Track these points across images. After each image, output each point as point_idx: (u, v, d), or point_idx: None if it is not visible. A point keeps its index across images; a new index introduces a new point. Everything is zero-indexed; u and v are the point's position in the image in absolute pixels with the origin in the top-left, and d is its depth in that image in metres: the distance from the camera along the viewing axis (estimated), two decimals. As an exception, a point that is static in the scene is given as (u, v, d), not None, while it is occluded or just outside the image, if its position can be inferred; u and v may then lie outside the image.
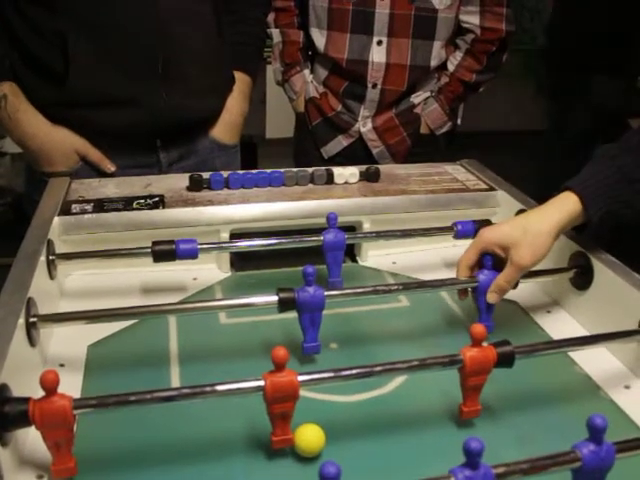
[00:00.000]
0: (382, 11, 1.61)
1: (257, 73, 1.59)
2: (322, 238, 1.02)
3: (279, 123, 2.67)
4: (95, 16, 1.24)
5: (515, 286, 0.94)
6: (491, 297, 0.93)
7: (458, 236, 1.10)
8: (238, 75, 1.51)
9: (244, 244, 1.04)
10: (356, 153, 1.74)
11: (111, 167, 1.34)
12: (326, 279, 1.04)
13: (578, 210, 0.93)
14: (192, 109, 1.37)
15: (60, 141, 1.31)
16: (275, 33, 1.80)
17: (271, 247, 1.04)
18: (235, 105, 1.49)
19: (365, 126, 1.72)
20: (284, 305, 0.85)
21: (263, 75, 2.73)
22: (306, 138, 1.82)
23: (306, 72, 1.79)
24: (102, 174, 1.32)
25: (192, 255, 0.99)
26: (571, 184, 0.95)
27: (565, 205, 0.94)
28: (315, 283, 0.86)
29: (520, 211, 1.16)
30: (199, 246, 0.99)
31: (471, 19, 1.68)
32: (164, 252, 0.98)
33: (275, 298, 0.85)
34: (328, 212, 1.05)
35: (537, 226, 0.92)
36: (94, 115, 1.29)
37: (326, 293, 0.86)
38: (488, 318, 0.94)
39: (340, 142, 1.76)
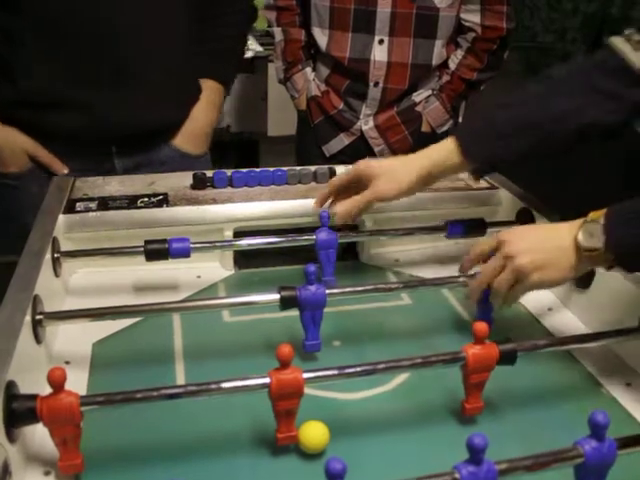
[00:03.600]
0: (383, 10, 1.61)
1: (231, 82, 1.56)
2: (314, 237, 1.03)
3: (281, 120, 2.67)
4: (48, 16, 1.21)
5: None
6: (338, 208, 1.01)
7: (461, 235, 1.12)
8: (209, 83, 1.47)
9: (243, 242, 1.05)
10: (358, 151, 1.74)
11: (63, 169, 1.31)
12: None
13: (453, 152, 1.00)
14: (149, 117, 1.33)
15: (9, 141, 1.28)
16: (277, 32, 1.80)
17: (269, 246, 1.05)
18: (201, 114, 1.45)
19: (367, 124, 1.73)
20: (286, 303, 0.86)
21: (265, 73, 2.74)
22: (308, 136, 1.83)
23: (308, 70, 1.79)
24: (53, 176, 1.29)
25: (184, 254, 0.99)
26: (450, 130, 0.98)
27: (439, 146, 1.02)
28: (317, 281, 0.86)
29: (522, 210, 1.17)
30: (199, 245, 1.00)
31: (472, 17, 1.69)
32: (156, 251, 0.99)
33: (277, 296, 0.86)
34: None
35: (405, 164, 1.01)
36: (44, 117, 1.26)
37: (327, 291, 0.87)
38: (487, 313, 0.94)
39: (342, 140, 1.76)
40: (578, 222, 0.84)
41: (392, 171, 1.00)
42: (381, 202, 1.02)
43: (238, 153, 2.94)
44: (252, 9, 1.59)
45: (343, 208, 1.01)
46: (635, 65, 0.96)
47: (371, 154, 1.74)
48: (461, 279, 0.95)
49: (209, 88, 1.47)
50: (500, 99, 1.05)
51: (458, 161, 1.01)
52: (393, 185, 0.99)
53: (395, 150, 1.73)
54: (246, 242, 1.05)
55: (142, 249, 1.00)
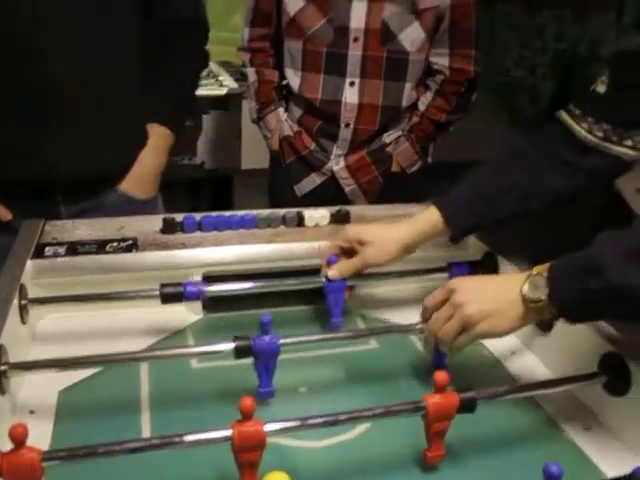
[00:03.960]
0: (355, 53, 1.65)
1: (180, 127, 1.57)
2: (323, 280, 1.08)
3: (255, 155, 2.69)
4: None
5: None
6: (331, 273, 1.06)
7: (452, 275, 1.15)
8: (157, 128, 1.48)
9: (219, 288, 1.07)
10: (329, 191, 1.77)
11: (7, 215, 1.31)
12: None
13: (438, 222, 1.08)
14: (96, 163, 1.34)
15: None
16: (251, 72, 1.83)
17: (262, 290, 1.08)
18: (148, 158, 1.46)
19: (338, 164, 1.75)
20: (240, 353, 0.88)
21: (239, 110, 2.75)
22: (280, 175, 1.85)
23: (280, 111, 1.82)
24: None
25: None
26: (434, 200, 1.09)
27: (424, 217, 1.09)
28: (271, 331, 0.88)
29: (486, 253, 1.20)
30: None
31: (441, 61, 1.73)
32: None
33: (231, 345, 0.88)
34: (300, 255, 1.11)
35: (392, 233, 1.07)
36: None
37: (281, 341, 0.89)
38: (442, 359, 0.96)
39: (313, 180, 1.79)
40: (525, 274, 0.88)
41: (380, 240, 1.07)
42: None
43: (212, 189, 2.95)
44: (203, 55, 1.61)
45: (336, 272, 1.07)
46: (580, 136, 1.05)
47: (342, 194, 1.76)
48: (418, 326, 0.97)
49: (157, 133, 1.49)
50: (479, 167, 1.13)
51: (442, 230, 1.09)
52: (381, 254, 1.07)
53: (365, 190, 1.75)
54: (230, 287, 1.07)
55: (110, 295, 1.01)
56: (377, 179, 1.76)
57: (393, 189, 1.77)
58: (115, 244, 1.14)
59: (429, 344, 0.95)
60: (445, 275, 1.15)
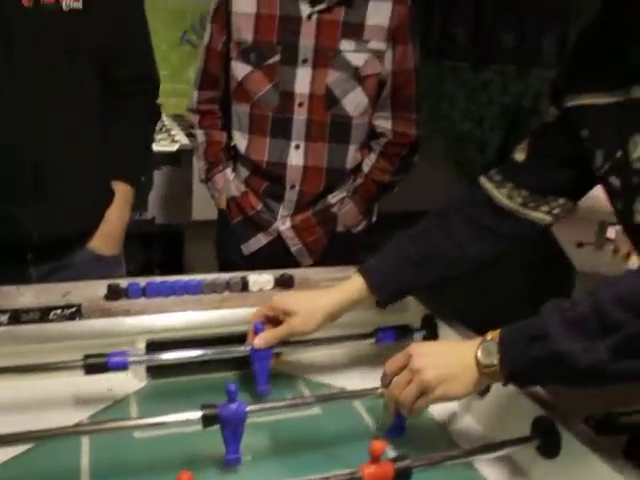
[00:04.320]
0: (300, 117, 1.69)
1: (140, 182, 1.62)
2: (248, 348, 1.09)
3: (207, 206, 2.72)
4: None
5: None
6: (256, 342, 1.08)
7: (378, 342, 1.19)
8: (121, 186, 1.53)
9: (165, 357, 1.08)
10: (275, 250, 1.79)
11: None
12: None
13: (363, 290, 1.13)
14: (66, 224, 1.38)
15: None
16: (199, 134, 1.87)
17: (193, 359, 1.09)
18: (115, 216, 1.51)
19: (284, 225, 1.78)
20: (208, 421, 0.89)
21: (190, 165, 2.78)
22: (227, 234, 1.87)
23: (228, 171, 1.85)
24: None
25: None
26: (360, 267, 1.14)
27: (349, 285, 1.14)
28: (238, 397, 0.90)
29: (426, 316, 1.24)
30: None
31: (384, 124, 1.79)
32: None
33: (199, 414, 0.88)
34: (245, 320, 1.13)
35: (317, 303, 1.11)
36: None
37: (248, 408, 0.91)
38: (402, 422, 0.99)
39: (260, 240, 1.81)
40: (479, 340, 0.92)
41: (306, 310, 1.10)
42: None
43: (163, 244, 2.96)
44: (157, 110, 1.67)
45: (262, 341, 1.09)
46: (499, 202, 1.12)
47: (288, 253, 1.79)
48: (379, 391, 0.99)
49: (121, 190, 1.53)
50: (403, 234, 1.17)
51: (368, 297, 1.13)
52: (307, 323, 1.10)
53: (311, 250, 1.79)
54: (172, 356, 1.08)
55: (48, 364, 1.01)
56: (322, 239, 1.80)
57: (338, 248, 1.81)
58: (59, 311, 1.15)
59: (390, 408, 0.98)
60: (372, 341, 1.19)
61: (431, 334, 1.22)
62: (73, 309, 1.16)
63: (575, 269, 2.53)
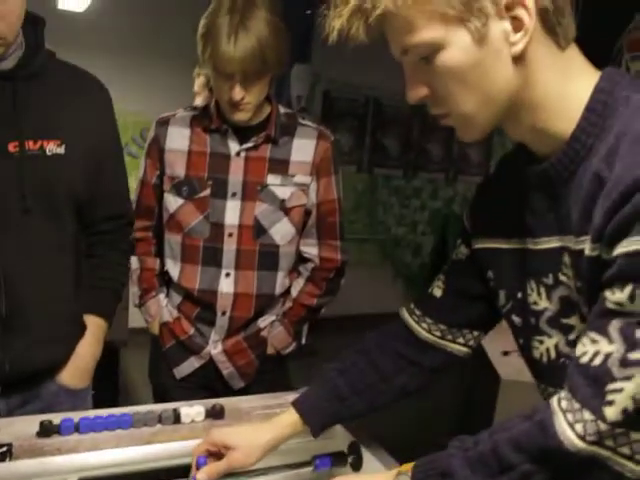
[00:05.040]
0: (230, 247, 1.78)
1: (113, 316, 1.65)
2: None
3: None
4: None
5: None
6: (199, 476, 1.13)
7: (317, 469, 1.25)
8: (93, 319, 1.58)
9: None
10: (208, 374, 1.84)
11: None
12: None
13: (297, 423, 1.21)
14: (36, 358, 1.42)
15: None
16: (134, 260, 1.93)
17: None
18: (86, 349, 1.55)
19: (215, 349, 1.84)
20: None
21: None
22: (160, 358, 1.91)
23: (161, 297, 1.91)
24: None
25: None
26: (294, 401, 1.22)
27: (285, 420, 1.21)
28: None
29: (352, 443, 1.30)
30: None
31: (310, 250, 1.89)
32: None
33: None
34: (178, 453, 1.20)
35: (255, 438, 1.17)
36: None
37: None
38: None
39: (192, 364, 1.86)
40: (395, 472, 0.99)
41: (245, 445, 1.16)
42: None
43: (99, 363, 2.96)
44: (129, 244, 1.74)
45: (205, 475, 1.14)
46: (420, 335, 1.20)
47: (220, 376, 1.84)
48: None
49: (94, 324, 1.58)
50: (332, 367, 1.25)
51: (302, 429, 1.21)
52: (248, 458, 1.16)
53: (242, 373, 1.84)
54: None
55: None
56: (253, 362, 1.86)
57: (269, 370, 1.87)
58: (-11, 452, 1.17)
59: None
60: (310, 468, 1.24)
61: (357, 460, 1.28)
62: (4, 448, 1.18)
63: (500, 378, 2.63)
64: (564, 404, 0.82)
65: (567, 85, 0.89)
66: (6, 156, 1.36)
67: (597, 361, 0.80)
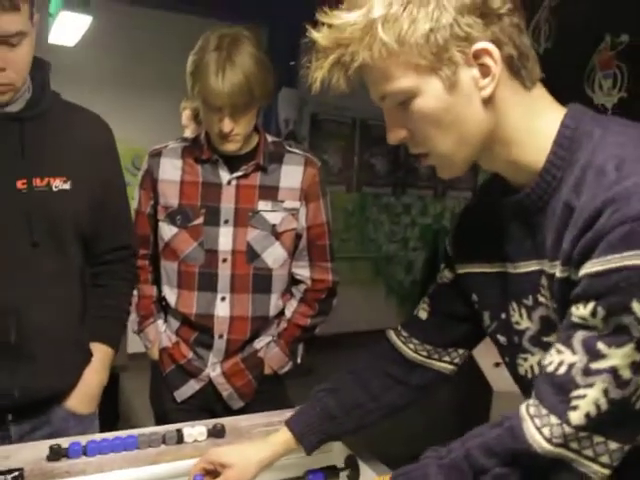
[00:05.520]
0: (224, 272, 1.85)
1: (119, 343, 1.72)
2: None
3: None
4: None
5: None
6: None
7: None
8: (99, 347, 1.64)
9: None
10: (207, 395, 1.90)
11: None
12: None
13: (291, 442, 1.27)
14: (46, 385, 1.48)
15: None
16: (132, 288, 2.00)
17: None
18: (94, 376, 1.61)
19: (214, 371, 1.90)
20: None
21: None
22: (160, 383, 1.97)
23: (159, 322, 1.98)
24: None
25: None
26: (287, 420, 1.29)
27: (278, 439, 1.28)
28: None
29: (349, 456, 1.36)
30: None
31: (302, 272, 1.96)
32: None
33: None
34: (183, 472, 1.25)
35: (251, 457, 1.24)
36: None
37: None
38: None
39: (192, 386, 1.91)
40: None
41: (240, 464, 1.22)
42: None
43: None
44: (133, 274, 1.81)
45: None
46: (407, 355, 1.27)
47: (219, 398, 1.90)
48: None
49: (101, 351, 1.64)
50: (323, 388, 1.32)
51: (295, 447, 1.28)
52: (241, 475, 1.22)
53: (241, 393, 1.90)
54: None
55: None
56: (251, 382, 1.92)
57: (267, 390, 1.94)
58: (1, 477, 1.22)
59: None
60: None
61: (354, 473, 1.34)
62: (15, 474, 1.23)
63: (492, 389, 2.69)
64: (532, 410, 0.89)
65: (534, 121, 0.96)
66: (15, 193, 1.43)
67: (562, 370, 0.86)
